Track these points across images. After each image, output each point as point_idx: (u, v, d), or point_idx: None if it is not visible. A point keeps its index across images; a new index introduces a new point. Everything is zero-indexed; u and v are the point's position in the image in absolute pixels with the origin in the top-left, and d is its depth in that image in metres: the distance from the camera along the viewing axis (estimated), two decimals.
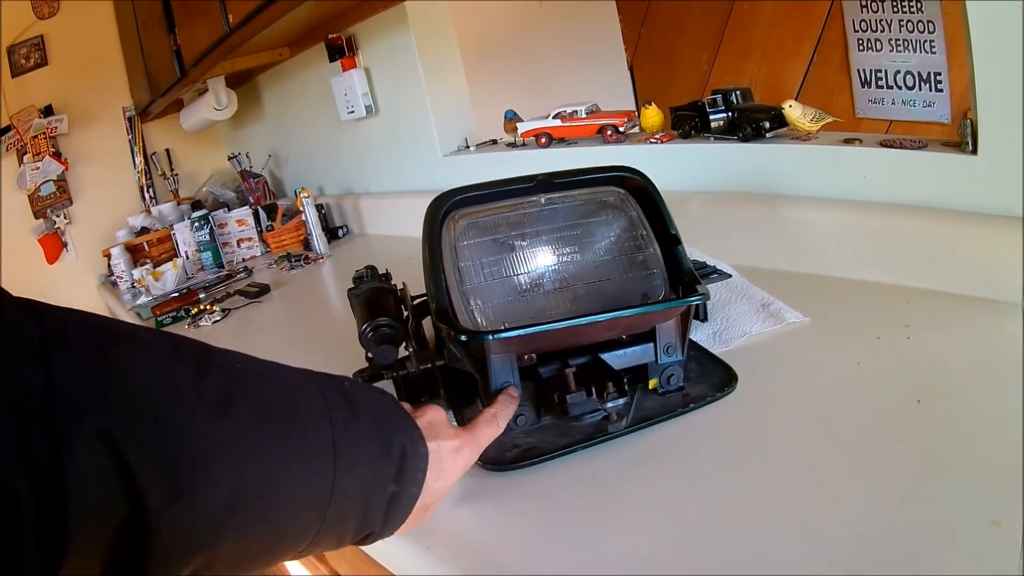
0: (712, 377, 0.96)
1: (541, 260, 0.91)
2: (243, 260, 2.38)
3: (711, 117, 1.41)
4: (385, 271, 1.15)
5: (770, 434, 0.84)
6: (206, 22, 1.94)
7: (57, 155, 2.60)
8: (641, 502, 0.76)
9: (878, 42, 2.42)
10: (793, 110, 1.28)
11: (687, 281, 0.89)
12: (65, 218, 2.69)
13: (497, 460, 0.84)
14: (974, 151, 1.07)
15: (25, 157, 2.54)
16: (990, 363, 0.92)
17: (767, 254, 1.34)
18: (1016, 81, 0.98)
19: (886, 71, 2.43)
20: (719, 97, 1.40)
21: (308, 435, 0.51)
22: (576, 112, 1.71)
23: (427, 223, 0.87)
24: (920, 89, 2.37)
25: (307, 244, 2.26)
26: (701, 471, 0.80)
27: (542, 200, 0.91)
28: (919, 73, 2.36)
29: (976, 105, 1.04)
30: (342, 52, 2.18)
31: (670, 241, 0.92)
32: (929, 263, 1.13)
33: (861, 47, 2.47)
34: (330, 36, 2.19)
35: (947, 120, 2.36)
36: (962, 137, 1.09)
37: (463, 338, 0.79)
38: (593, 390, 0.82)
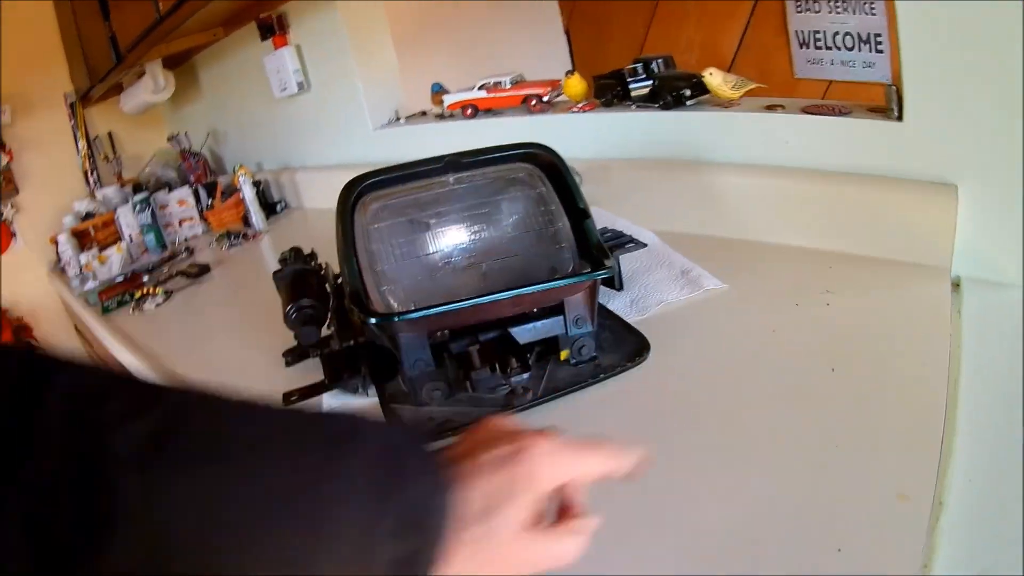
0: (625, 346, 0.98)
1: (451, 239, 0.92)
2: (186, 239, 2.37)
3: (632, 86, 1.43)
4: (311, 251, 1.16)
5: (680, 404, 0.87)
6: (138, 8, 1.93)
7: (1, 146, 2.57)
8: None
9: (816, 3, 2.42)
10: (714, 77, 1.29)
11: (595, 255, 0.90)
12: (12, 208, 2.66)
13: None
14: (899, 117, 1.08)
15: None
16: (911, 330, 0.93)
17: (690, 220, 1.35)
18: (941, 47, 0.99)
19: (825, 32, 2.45)
20: (639, 66, 1.41)
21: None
22: (501, 83, 1.71)
23: (339, 208, 0.89)
24: (860, 50, 2.39)
25: (246, 220, 2.25)
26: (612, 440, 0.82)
27: (451, 180, 0.92)
28: (859, 34, 2.37)
29: (902, 71, 1.05)
30: (273, 31, 2.16)
31: (579, 215, 0.93)
32: (854, 228, 1.15)
33: (799, 9, 2.47)
34: (261, 16, 2.17)
35: (887, 80, 2.38)
36: (888, 103, 1.10)
37: (372, 321, 0.81)
38: (497, 366, 0.84)
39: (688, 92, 1.33)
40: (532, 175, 0.95)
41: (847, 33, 2.39)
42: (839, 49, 2.43)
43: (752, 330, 0.99)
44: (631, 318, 1.06)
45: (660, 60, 1.41)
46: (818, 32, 2.46)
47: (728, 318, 1.04)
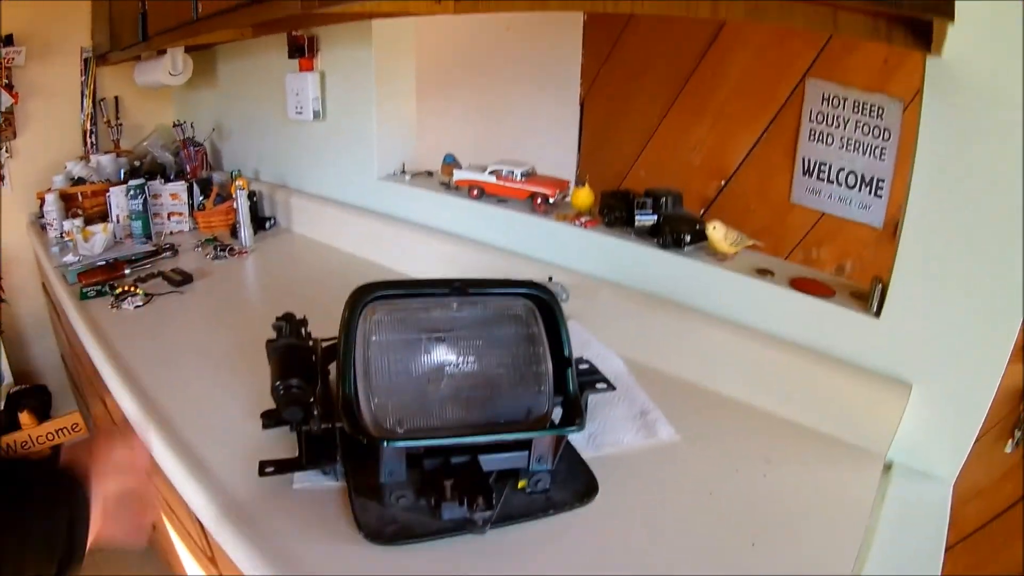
0: (576, 483, 1.06)
1: (443, 363, 0.98)
2: (171, 233, 2.38)
3: (637, 217, 1.49)
4: (303, 317, 1.21)
5: (616, 552, 0.95)
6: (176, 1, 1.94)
7: (9, 87, 2.55)
8: None
9: (830, 136, 2.51)
10: (716, 231, 1.37)
11: (570, 406, 0.97)
12: (7, 151, 2.65)
13: (377, 533, 0.94)
14: (877, 314, 1.17)
15: None
16: (835, 515, 1.02)
17: (660, 356, 1.43)
18: (937, 261, 1.09)
19: (830, 166, 2.53)
20: (649, 200, 1.48)
21: None
22: (512, 173, 1.77)
23: (346, 311, 0.94)
24: (860, 190, 2.47)
25: (234, 231, 2.27)
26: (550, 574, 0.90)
27: (454, 305, 0.98)
28: (863, 175, 2.45)
29: (893, 271, 1.14)
30: (302, 52, 2.19)
31: (562, 362, 1.00)
32: (809, 402, 1.24)
33: (812, 137, 2.55)
34: (294, 33, 2.20)
35: (879, 226, 2.47)
36: (870, 297, 1.18)
37: (362, 438, 0.87)
38: (466, 500, 0.90)
39: (688, 238, 1.40)
40: (528, 312, 1.01)
41: (851, 172, 2.48)
42: (840, 185, 2.52)
43: (693, 489, 1.08)
44: (585, 453, 1.13)
45: (670, 197, 1.48)
46: (824, 164, 2.54)
47: (673, 472, 1.12)
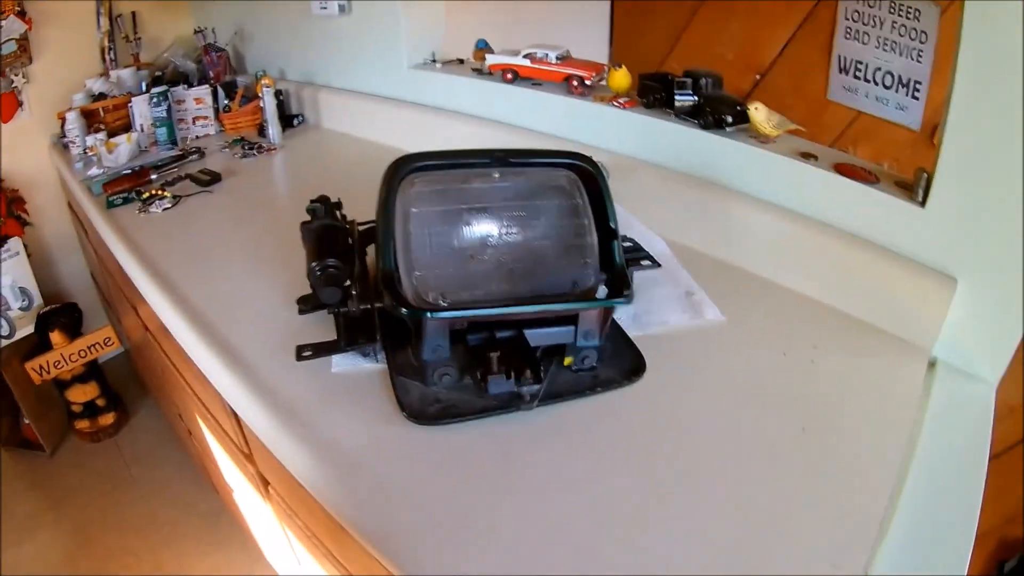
0: (623, 362, 1.04)
1: (485, 235, 0.95)
2: (197, 138, 2.35)
3: (677, 97, 1.43)
4: (337, 200, 1.18)
5: (663, 431, 0.93)
6: None
7: (21, 14, 2.49)
8: (539, 475, 0.85)
9: (866, 35, 2.41)
10: (759, 112, 1.31)
11: (616, 279, 0.94)
12: (24, 77, 2.60)
13: (420, 413, 0.92)
14: (923, 203, 1.12)
15: None
16: (882, 403, 1.00)
17: (703, 239, 1.40)
18: (981, 155, 1.03)
19: (867, 65, 2.44)
20: (689, 80, 1.42)
21: None
22: (547, 56, 1.70)
23: (384, 184, 0.90)
24: (897, 91, 2.39)
25: (262, 130, 2.23)
26: (596, 453, 0.89)
27: (495, 175, 0.95)
28: (900, 76, 2.37)
29: (937, 161, 1.08)
30: None
31: (608, 234, 0.96)
32: (855, 291, 1.20)
33: (848, 35, 2.46)
34: None
35: (916, 127, 2.39)
36: (915, 185, 1.13)
37: (404, 311, 0.84)
38: (512, 373, 0.88)
39: (729, 119, 1.35)
40: (572, 184, 0.97)
41: (888, 72, 2.39)
42: (876, 84, 2.44)
43: (741, 371, 1.06)
44: (632, 332, 1.11)
45: (710, 79, 1.42)
46: (861, 62, 2.45)
47: (721, 354, 1.10)
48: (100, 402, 2.71)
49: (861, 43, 2.43)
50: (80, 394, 2.65)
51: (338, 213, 1.15)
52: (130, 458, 2.64)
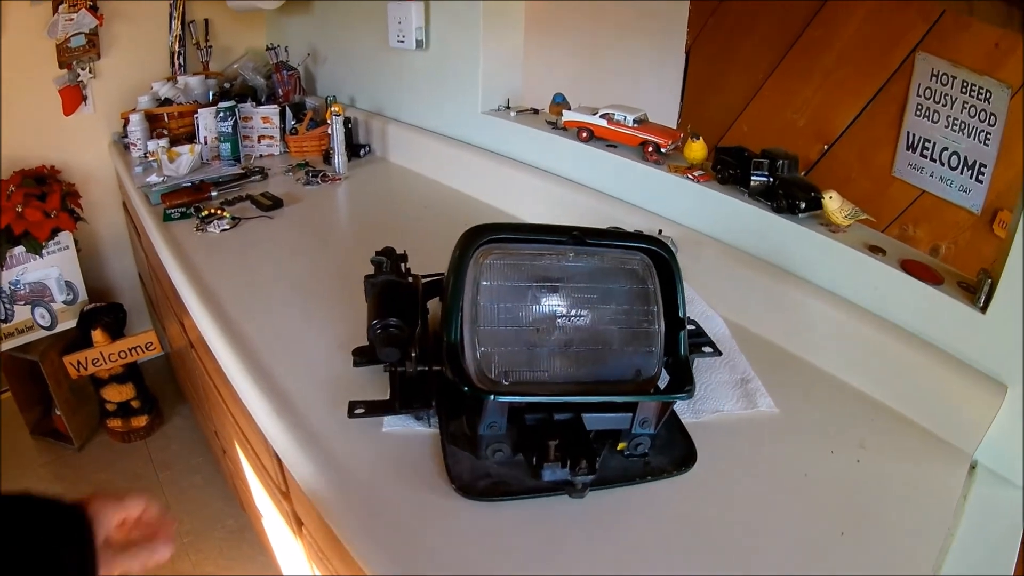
0: (675, 450, 1.02)
1: (554, 315, 0.93)
2: (260, 157, 2.37)
3: (752, 176, 1.42)
4: (403, 252, 1.17)
5: (706, 526, 0.91)
6: None
7: (94, 9, 2.53)
8: (582, 562, 0.84)
9: (936, 114, 2.39)
10: (832, 202, 1.29)
11: (679, 371, 0.93)
12: (90, 72, 2.64)
13: (469, 487, 0.91)
14: (983, 310, 1.10)
15: (61, 7, 2.47)
16: (922, 512, 0.98)
17: (763, 323, 1.38)
18: None
19: (935, 144, 2.42)
20: (766, 161, 1.40)
21: None
22: (624, 119, 1.69)
23: (457, 253, 0.89)
24: (962, 172, 2.37)
25: (327, 157, 2.24)
26: (640, 544, 0.87)
27: (571, 254, 0.93)
28: (966, 158, 2.34)
29: (1004, 269, 1.06)
30: None
31: (675, 323, 0.95)
32: (905, 388, 1.18)
33: (919, 112, 2.44)
34: None
35: (978, 211, 2.36)
36: (978, 289, 1.11)
37: (466, 389, 0.84)
38: (568, 461, 0.86)
39: (803, 205, 1.33)
40: (645, 269, 0.96)
41: (955, 152, 2.37)
42: (942, 165, 2.41)
43: (788, 467, 1.04)
44: (686, 418, 1.10)
45: (787, 161, 1.40)
46: (928, 141, 2.43)
47: (771, 448, 1.08)
48: (135, 403, 2.74)
49: (931, 121, 2.42)
50: (115, 394, 2.67)
51: (403, 267, 1.14)
52: (159, 462, 2.66)
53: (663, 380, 0.95)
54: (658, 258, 0.95)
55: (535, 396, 0.87)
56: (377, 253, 1.12)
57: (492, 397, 0.83)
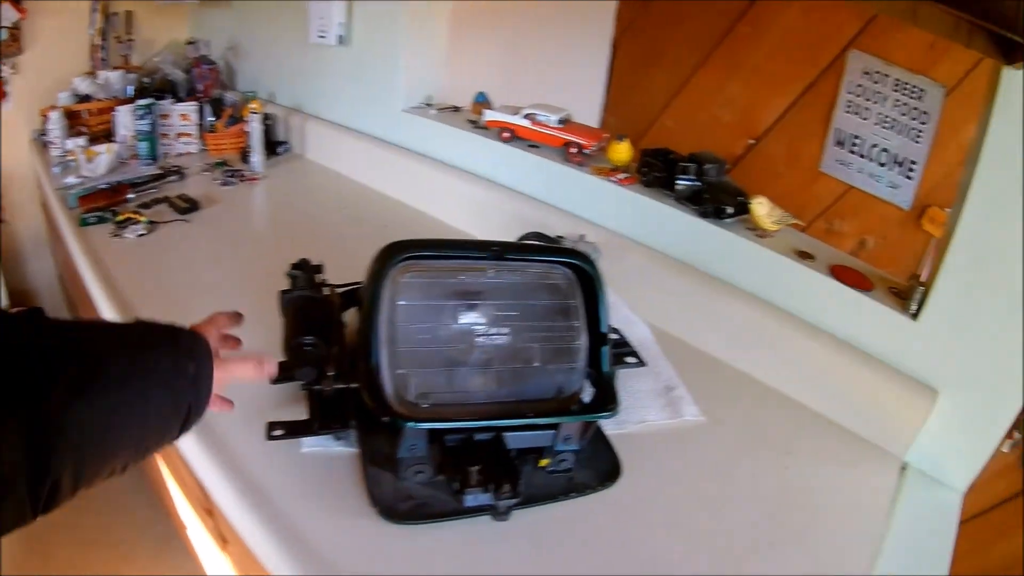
0: (599, 464, 1.01)
1: (473, 334, 0.91)
2: (179, 155, 2.28)
3: (678, 180, 1.41)
4: (318, 264, 1.13)
5: (634, 540, 0.91)
6: None
7: (17, 2, 2.42)
8: None
9: (867, 111, 2.42)
10: (761, 207, 1.29)
11: (602, 390, 0.92)
12: (12, 68, 2.53)
13: (391, 510, 0.88)
14: (915, 316, 1.11)
15: None
16: (852, 517, 1.00)
17: (689, 328, 1.37)
18: (984, 277, 1.03)
19: (864, 141, 2.44)
20: (693, 165, 1.39)
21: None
22: (548, 119, 1.66)
23: (373, 272, 0.86)
24: (891, 169, 2.40)
25: (245, 155, 2.18)
26: (567, 560, 0.86)
27: (490, 271, 0.91)
28: (896, 155, 2.37)
29: (938, 277, 1.08)
30: None
31: (598, 339, 0.93)
32: (835, 395, 1.19)
33: (849, 109, 2.46)
34: None
35: (907, 207, 2.40)
36: (910, 297, 1.12)
37: (387, 419, 0.81)
38: (491, 485, 0.84)
39: (730, 210, 1.32)
40: (569, 284, 0.94)
41: (885, 149, 2.40)
42: (871, 161, 2.44)
43: (715, 479, 1.04)
44: (609, 429, 1.08)
45: (714, 165, 1.39)
46: (858, 138, 2.46)
47: (697, 458, 1.08)
48: None
49: (861, 118, 2.44)
50: None
51: (318, 278, 1.10)
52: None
53: (588, 393, 0.94)
54: (580, 271, 0.94)
55: (453, 422, 0.84)
56: (292, 266, 1.08)
57: (411, 425, 0.81)
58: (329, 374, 0.93)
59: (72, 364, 0.60)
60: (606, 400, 0.90)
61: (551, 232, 1.46)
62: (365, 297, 0.86)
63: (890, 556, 0.96)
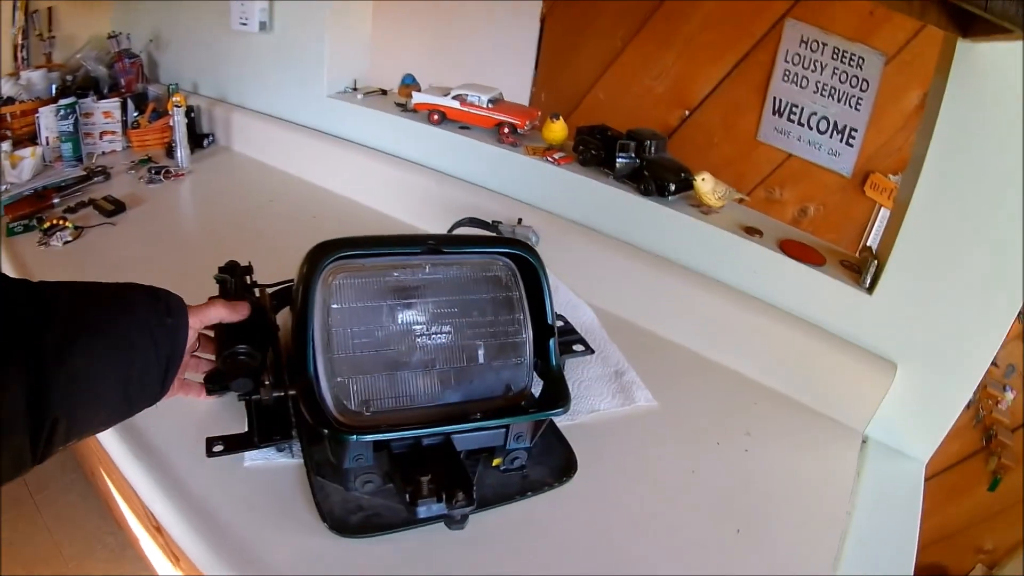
0: (554, 459, 0.98)
1: (413, 334, 0.87)
2: (103, 154, 2.19)
3: (618, 158, 1.38)
4: (247, 264, 1.07)
5: (593, 537, 0.89)
6: None
7: None
8: None
9: (804, 79, 2.42)
10: (705, 184, 1.27)
11: (551, 384, 0.89)
12: None
13: (342, 524, 0.85)
14: (870, 290, 1.11)
15: None
16: (815, 496, 0.99)
17: (634, 309, 1.35)
18: (939, 250, 1.03)
19: (802, 109, 2.45)
20: (632, 143, 1.36)
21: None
22: (478, 99, 1.62)
23: (303, 276, 0.81)
24: (831, 136, 2.42)
25: (170, 150, 2.10)
26: (529, 564, 0.84)
27: (427, 266, 0.87)
28: (836, 122, 2.39)
29: (893, 251, 1.07)
30: None
31: (544, 330, 0.91)
32: (791, 371, 1.19)
33: (786, 78, 2.47)
34: None
35: (848, 174, 2.42)
36: (862, 271, 1.12)
37: (326, 432, 0.77)
38: (443, 494, 0.81)
39: (672, 187, 1.30)
40: (509, 276, 0.91)
41: (824, 117, 2.41)
42: (811, 129, 2.45)
43: (673, 465, 1.03)
44: (561, 422, 1.05)
45: (654, 142, 1.37)
46: (796, 106, 2.47)
47: (653, 445, 1.06)
48: None
49: (799, 87, 2.45)
50: None
51: (249, 279, 1.05)
52: (33, 486, 2.48)
53: (537, 388, 0.91)
54: (521, 261, 0.90)
55: (398, 431, 0.80)
56: (220, 270, 1.03)
57: (353, 438, 0.77)
58: (266, 383, 0.88)
59: (63, 312, 0.66)
60: (557, 396, 0.87)
61: (488, 216, 1.42)
62: (296, 303, 0.82)
63: (858, 531, 0.96)
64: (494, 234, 1.35)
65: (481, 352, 0.89)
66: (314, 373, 0.80)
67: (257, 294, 1.02)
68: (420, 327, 0.87)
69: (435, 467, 0.83)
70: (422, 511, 0.83)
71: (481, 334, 0.89)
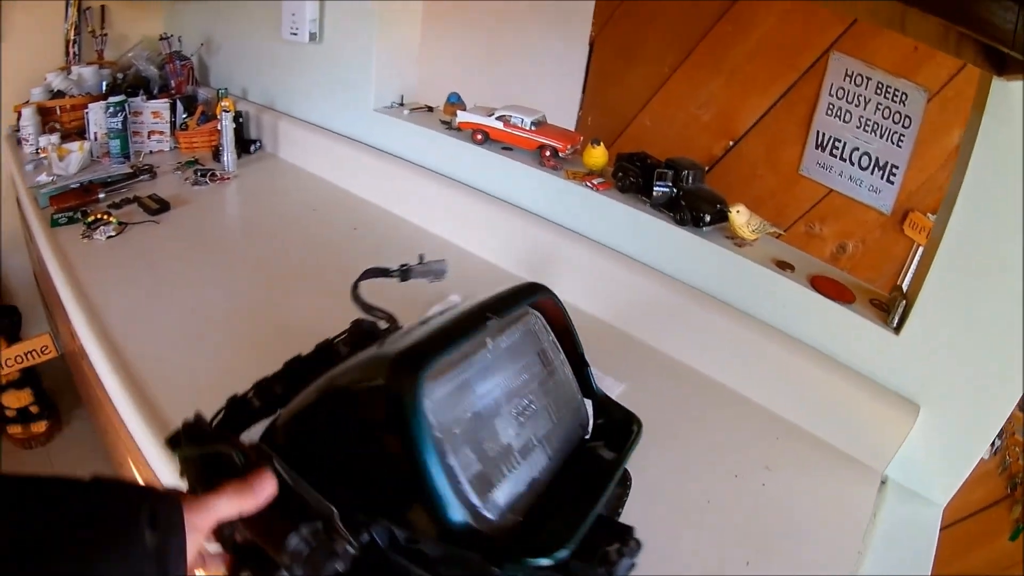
0: None
1: (517, 416, 0.75)
2: (151, 152, 2.24)
3: (655, 187, 1.38)
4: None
5: None
6: None
7: None
8: None
9: (848, 114, 2.41)
10: (740, 216, 1.27)
11: (603, 408, 0.85)
12: None
13: None
14: (897, 330, 1.10)
15: None
16: (831, 533, 0.99)
17: (664, 339, 1.36)
18: (968, 293, 1.02)
19: (845, 144, 2.44)
20: (670, 172, 1.37)
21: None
22: (521, 121, 1.63)
23: (398, 410, 0.61)
24: (872, 173, 2.40)
25: (217, 154, 2.14)
26: None
27: (489, 342, 0.74)
28: (877, 159, 2.37)
29: (921, 291, 1.06)
30: None
31: (578, 362, 0.86)
32: (814, 407, 1.18)
33: (830, 112, 2.45)
34: None
35: (887, 211, 2.40)
36: (892, 311, 1.11)
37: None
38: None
39: (708, 217, 1.31)
40: (538, 322, 0.83)
41: (866, 153, 2.40)
42: (852, 164, 2.44)
43: (690, 495, 1.03)
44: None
45: (692, 172, 1.37)
46: (839, 140, 2.45)
47: (671, 472, 1.06)
48: (33, 409, 2.60)
49: (842, 121, 2.44)
50: (13, 400, 2.55)
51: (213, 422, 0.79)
52: (60, 468, 2.53)
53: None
54: (541, 303, 0.84)
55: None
56: (185, 431, 0.73)
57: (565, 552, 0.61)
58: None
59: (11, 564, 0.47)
60: (628, 419, 0.83)
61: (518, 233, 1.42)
62: (407, 452, 0.60)
63: (869, 571, 0.95)
64: (500, 296, 1.12)
65: (555, 410, 0.79)
66: (466, 514, 0.61)
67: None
68: (517, 405, 0.75)
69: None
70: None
71: (547, 390, 0.80)
